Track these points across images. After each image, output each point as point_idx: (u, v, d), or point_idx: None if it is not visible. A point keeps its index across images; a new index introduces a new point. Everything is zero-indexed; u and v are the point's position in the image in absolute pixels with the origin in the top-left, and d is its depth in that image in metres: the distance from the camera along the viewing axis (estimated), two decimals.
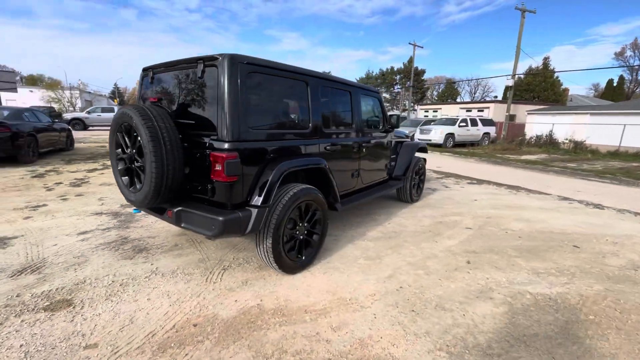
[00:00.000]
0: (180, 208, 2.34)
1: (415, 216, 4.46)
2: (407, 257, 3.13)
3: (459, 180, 7.24)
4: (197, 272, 2.73)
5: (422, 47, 29.80)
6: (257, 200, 2.32)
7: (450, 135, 16.06)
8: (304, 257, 2.79)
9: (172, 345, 1.86)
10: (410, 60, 31.23)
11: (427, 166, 9.05)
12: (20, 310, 2.14)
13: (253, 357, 1.78)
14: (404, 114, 33.24)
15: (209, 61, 2.26)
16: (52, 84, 41.76)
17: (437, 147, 15.69)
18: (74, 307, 2.19)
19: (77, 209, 4.36)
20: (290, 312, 2.21)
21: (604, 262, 3.13)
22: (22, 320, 2.04)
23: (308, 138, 2.84)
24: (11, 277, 2.56)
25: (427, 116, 30.15)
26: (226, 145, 2.17)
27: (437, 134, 15.95)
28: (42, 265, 2.77)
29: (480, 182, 7.15)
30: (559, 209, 5.03)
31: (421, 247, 3.37)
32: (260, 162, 2.38)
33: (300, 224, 2.73)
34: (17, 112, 8.19)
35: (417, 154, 5.45)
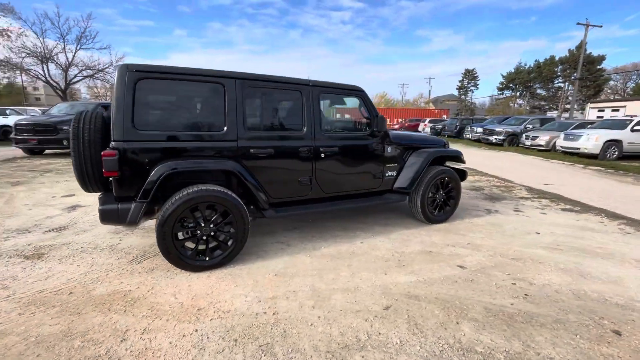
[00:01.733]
0: (100, 195, 2.82)
1: (408, 239, 3.61)
2: (322, 282, 2.65)
3: (549, 205, 5.26)
4: (135, 253, 3.17)
5: (600, 27, 22.32)
6: (139, 196, 2.52)
7: (613, 143, 11.57)
8: (207, 258, 2.80)
9: (38, 303, 2.30)
10: (580, 46, 24.06)
11: (531, 182, 7.01)
12: (16, 253, 3.10)
13: (60, 332, 2.01)
14: (565, 114, 25.98)
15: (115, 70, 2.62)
16: None
17: (592, 158, 11.53)
18: (38, 259, 2.99)
19: None
20: (140, 305, 2.31)
21: None
22: (6, 259, 2.96)
23: (222, 140, 2.82)
24: (44, 231, 3.70)
25: (600, 117, 22.61)
26: (111, 144, 2.48)
27: (590, 141, 11.76)
28: (69, 227, 3.85)
29: (585, 210, 4.97)
30: None
31: (356, 275, 2.77)
32: (148, 161, 2.56)
33: (204, 225, 2.76)
34: None
35: (455, 164, 4.39)
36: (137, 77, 2.50)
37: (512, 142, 16.20)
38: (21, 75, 28.64)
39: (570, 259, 3.19)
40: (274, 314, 2.23)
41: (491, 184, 6.94)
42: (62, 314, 2.19)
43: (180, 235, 2.74)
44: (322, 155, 3.27)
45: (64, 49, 26.49)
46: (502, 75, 43.76)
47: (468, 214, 4.67)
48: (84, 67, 27.89)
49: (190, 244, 2.80)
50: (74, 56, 26.51)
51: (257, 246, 3.38)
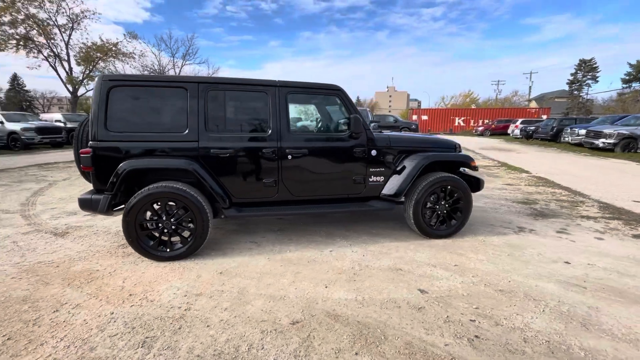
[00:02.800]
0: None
1: (386, 253, 3.23)
2: (256, 286, 2.59)
3: (616, 229, 4.01)
4: None
5: None
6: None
7: None
8: (168, 250, 3.03)
9: (30, 271, 2.85)
10: None
11: (615, 199, 5.59)
12: (52, 230, 3.88)
13: (22, 296, 2.44)
14: None
15: None
16: None
17: None
18: (61, 237, 3.68)
19: None
20: (93, 284, 2.64)
21: None
22: (42, 234, 3.73)
23: (184, 141, 3.00)
24: (84, 215, 4.52)
25: None
26: (89, 143, 2.89)
27: None
28: None
29: None
30: None
31: (294, 284, 2.62)
32: (117, 159, 2.90)
33: (165, 219, 2.99)
34: None
35: (469, 170, 3.77)
36: (110, 85, 2.88)
37: (628, 147, 12.83)
38: None
39: (588, 301, 2.40)
40: (186, 310, 2.29)
41: (553, 197, 5.66)
42: (37, 282, 2.66)
43: (149, 226, 3.03)
44: (289, 157, 3.19)
45: (174, 65, 31.83)
46: (629, 64, 35.01)
47: (489, 230, 3.92)
48: None
49: (157, 234, 3.06)
50: (180, 70, 31.53)
51: (230, 243, 3.50)
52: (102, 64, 24.61)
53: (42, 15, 22.14)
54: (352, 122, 3.20)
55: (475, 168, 3.71)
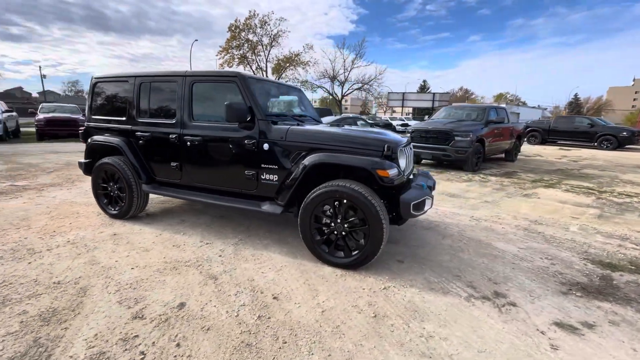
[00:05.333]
0: None
1: (248, 261, 2.81)
2: (103, 251, 2.97)
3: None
4: None
5: None
6: None
7: None
8: (113, 209, 3.86)
9: (58, 206, 4.35)
10: None
11: None
12: None
13: (23, 216, 3.85)
14: None
15: None
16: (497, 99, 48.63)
17: None
18: None
19: None
20: (58, 221, 3.78)
21: None
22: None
23: (124, 124, 3.69)
24: None
25: None
26: (85, 124, 4.08)
27: None
28: None
29: None
30: None
31: (122, 259, 2.80)
32: (93, 135, 3.93)
33: (112, 185, 3.82)
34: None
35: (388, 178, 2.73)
36: (94, 82, 3.93)
37: None
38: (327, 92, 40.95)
39: None
40: (48, 250, 2.95)
41: None
42: (46, 212, 4.05)
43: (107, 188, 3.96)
44: (188, 143, 3.30)
45: (344, 69, 35.20)
46: None
47: (431, 281, 2.57)
48: (354, 82, 35.87)
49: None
50: (348, 74, 34.58)
51: (172, 217, 3.98)
52: (287, 72, 30.66)
53: (254, 38, 29.95)
54: (225, 111, 2.91)
55: (383, 180, 2.50)
